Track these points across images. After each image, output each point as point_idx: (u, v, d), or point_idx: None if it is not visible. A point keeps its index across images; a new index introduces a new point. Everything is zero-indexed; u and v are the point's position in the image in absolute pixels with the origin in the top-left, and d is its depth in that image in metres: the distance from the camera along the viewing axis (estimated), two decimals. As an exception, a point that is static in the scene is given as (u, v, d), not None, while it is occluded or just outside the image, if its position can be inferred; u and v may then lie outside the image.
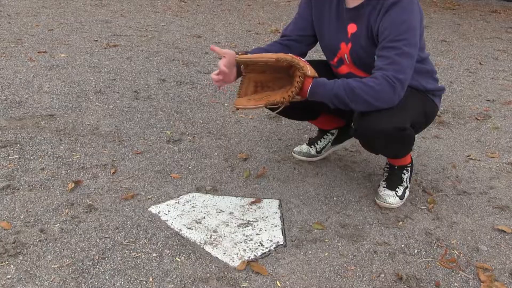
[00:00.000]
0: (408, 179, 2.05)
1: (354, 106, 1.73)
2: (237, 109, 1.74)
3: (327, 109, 2.18)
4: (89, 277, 1.51)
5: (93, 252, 1.62)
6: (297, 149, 2.35)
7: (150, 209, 1.88)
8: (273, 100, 1.72)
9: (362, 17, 1.82)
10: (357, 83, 1.70)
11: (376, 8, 1.78)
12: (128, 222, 1.79)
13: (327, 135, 2.33)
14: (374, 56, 1.80)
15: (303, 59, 1.78)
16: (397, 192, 1.99)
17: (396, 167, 2.03)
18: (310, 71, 1.73)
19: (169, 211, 1.87)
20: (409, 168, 2.06)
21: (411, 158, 2.07)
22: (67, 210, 1.83)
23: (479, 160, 2.47)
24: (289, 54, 1.76)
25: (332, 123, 2.31)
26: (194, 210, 1.88)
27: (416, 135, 1.96)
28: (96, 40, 4.12)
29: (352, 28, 1.86)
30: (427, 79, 1.95)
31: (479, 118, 3.02)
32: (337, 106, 1.75)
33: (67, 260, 1.57)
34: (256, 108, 1.77)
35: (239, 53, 1.80)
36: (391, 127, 1.74)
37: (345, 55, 1.91)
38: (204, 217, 1.85)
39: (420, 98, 1.91)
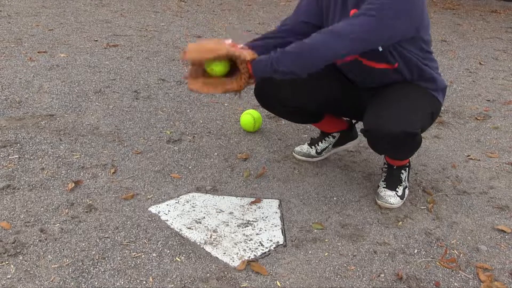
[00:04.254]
0: (406, 178, 2.05)
1: (299, 68, 1.70)
2: (191, 90, 1.80)
3: (331, 112, 2.17)
4: (89, 277, 1.51)
5: (93, 252, 1.62)
6: (297, 149, 2.35)
7: (150, 209, 1.88)
8: (231, 88, 1.77)
9: (363, 1, 1.80)
10: (295, 44, 1.69)
11: None
12: (128, 222, 1.79)
13: (329, 138, 2.33)
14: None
15: (239, 46, 1.80)
16: (397, 192, 1.99)
17: (395, 167, 2.03)
18: (248, 55, 1.75)
19: (169, 211, 1.87)
20: (407, 168, 2.06)
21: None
22: (67, 210, 1.83)
23: (479, 160, 2.47)
24: (230, 48, 1.76)
25: (335, 126, 2.30)
26: (194, 210, 1.88)
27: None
28: (96, 40, 4.12)
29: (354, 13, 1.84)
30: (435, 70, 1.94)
31: (479, 118, 3.02)
32: (289, 74, 1.71)
33: (67, 260, 1.57)
34: (211, 93, 1.79)
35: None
36: (403, 132, 1.74)
37: None
38: (204, 217, 1.85)
39: (427, 99, 1.90)
